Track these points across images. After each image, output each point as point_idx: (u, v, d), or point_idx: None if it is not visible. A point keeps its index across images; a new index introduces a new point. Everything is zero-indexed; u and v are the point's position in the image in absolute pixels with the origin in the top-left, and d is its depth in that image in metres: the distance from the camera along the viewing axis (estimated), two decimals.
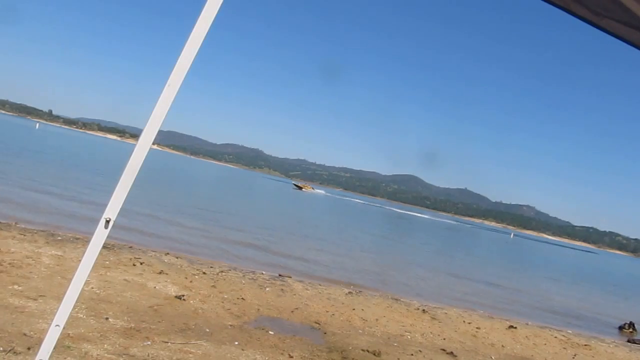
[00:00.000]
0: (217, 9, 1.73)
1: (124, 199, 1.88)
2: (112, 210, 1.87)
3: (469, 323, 10.56)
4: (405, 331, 8.83)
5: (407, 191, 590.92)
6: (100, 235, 1.89)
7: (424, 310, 10.92)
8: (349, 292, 11.04)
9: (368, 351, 7.08)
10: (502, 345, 9.37)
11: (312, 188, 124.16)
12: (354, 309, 9.49)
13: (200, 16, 1.73)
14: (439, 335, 9.08)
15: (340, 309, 9.27)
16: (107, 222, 1.88)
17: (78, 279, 1.95)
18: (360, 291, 11.56)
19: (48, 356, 2.11)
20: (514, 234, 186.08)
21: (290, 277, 11.31)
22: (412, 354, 7.46)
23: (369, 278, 14.82)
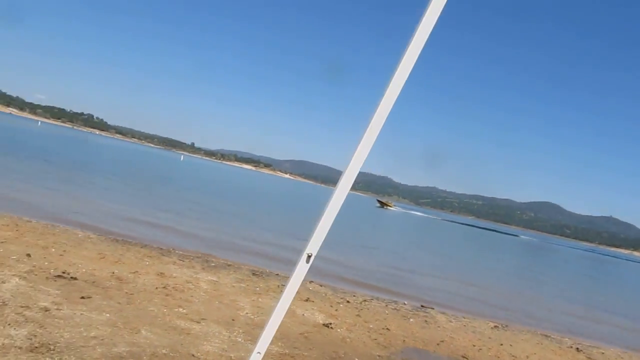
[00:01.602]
0: (421, 47, 1.77)
1: (325, 235, 1.98)
2: (313, 246, 1.97)
3: None
4: None
5: (544, 219, 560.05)
6: (301, 269, 2.00)
7: (577, 348, 10.22)
8: (495, 326, 10.61)
9: None
10: None
11: (394, 205, 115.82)
12: (501, 344, 9.11)
13: (404, 58, 1.78)
14: None
15: (487, 344, 8.94)
16: (309, 257, 1.99)
17: (280, 310, 2.08)
18: (506, 325, 11.06)
19: None
20: None
21: (433, 309, 11.11)
22: None
23: (513, 311, 14.15)
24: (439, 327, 9.51)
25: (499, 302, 15.65)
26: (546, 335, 11.01)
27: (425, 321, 9.69)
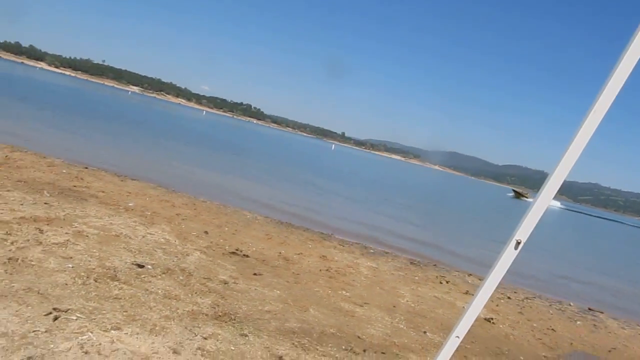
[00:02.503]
0: None
1: (536, 223, 1.93)
2: (523, 233, 1.93)
3: None
4: None
5: None
6: (509, 254, 1.97)
7: None
8: None
9: None
10: None
11: (530, 196, 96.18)
12: None
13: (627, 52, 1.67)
14: None
15: None
16: (518, 243, 1.94)
17: (483, 295, 2.06)
18: None
19: None
20: None
21: (603, 313, 10.35)
22: None
23: None
24: (609, 332, 8.84)
25: None
26: None
27: (594, 325, 9.06)
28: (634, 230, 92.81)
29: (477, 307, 2.10)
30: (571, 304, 10.56)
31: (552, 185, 1.86)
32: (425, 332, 6.25)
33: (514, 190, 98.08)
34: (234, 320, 4.94)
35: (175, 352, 3.97)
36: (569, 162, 1.82)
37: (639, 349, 8.19)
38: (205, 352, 4.11)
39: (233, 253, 7.55)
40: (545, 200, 1.89)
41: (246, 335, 4.64)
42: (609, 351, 7.70)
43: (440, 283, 9.18)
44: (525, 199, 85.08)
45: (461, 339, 2.23)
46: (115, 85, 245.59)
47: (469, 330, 6.69)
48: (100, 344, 3.72)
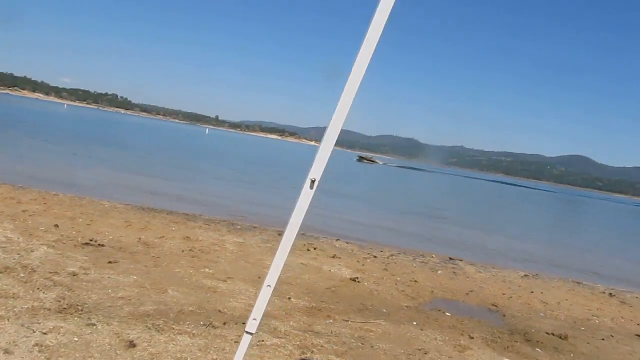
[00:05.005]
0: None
1: (326, 161, 1.92)
2: (316, 172, 1.92)
3: None
4: (592, 315, 8.22)
5: (575, 173, 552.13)
6: (306, 194, 1.96)
7: (610, 294, 10.10)
8: (525, 275, 10.53)
9: (553, 334, 6.68)
10: None
11: (378, 161, 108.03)
12: (532, 292, 9.04)
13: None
14: (631, 320, 8.33)
15: (517, 292, 8.88)
16: (312, 182, 1.93)
17: (287, 239, 2.05)
18: (537, 274, 10.97)
19: (261, 315, 2.24)
20: None
21: (462, 260, 11.05)
22: (603, 339, 6.91)
23: (544, 261, 14.02)
24: (467, 277, 9.46)
25: (528, 253, 15.51)
26: (578, 282, 10.90)
27: (454, 272, 9.65)
28: (492, 186, 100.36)
29: (283, 251, 2.08)
30: (433, 255, 11.17)
31: (333, 127, 1.87)
32: (289, 298, 6.28)
33: (359, 156, 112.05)
34: (81, 311, 4.64)
35: (7, 352, 3.65)
36: (344, 108, 1.84)
37: (493, 289, 8.84)
38: (43, 347, 3.81)
39: (86, 244, 7.13)
40: (329, 142, 1.90)
41: (94, 325, 4.37)
42: (467, 294, 8.23)
43: (308, 250, 9.30)
44: (369, 161, 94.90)
45: (273, 287, 2.21)
46: None
47: (334, 292, 6.75)
48: None
